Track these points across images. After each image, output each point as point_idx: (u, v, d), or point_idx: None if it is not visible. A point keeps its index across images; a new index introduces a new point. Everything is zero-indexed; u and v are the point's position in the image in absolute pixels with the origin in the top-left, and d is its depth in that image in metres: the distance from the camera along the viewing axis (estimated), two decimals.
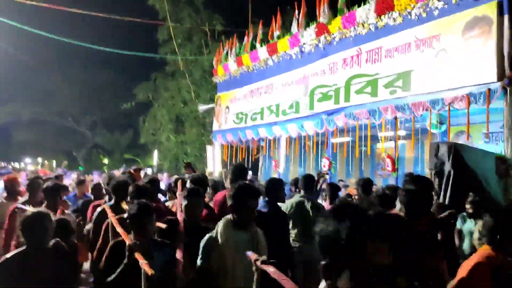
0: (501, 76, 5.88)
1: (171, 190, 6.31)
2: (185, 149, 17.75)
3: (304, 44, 9.99)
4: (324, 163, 9.20)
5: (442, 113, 7.78)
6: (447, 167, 5.71)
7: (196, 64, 18.18)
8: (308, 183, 5.88)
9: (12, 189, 6.01)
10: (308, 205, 5.65)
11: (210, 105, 15.14)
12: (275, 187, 4.93)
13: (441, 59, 6.74)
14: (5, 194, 6.12)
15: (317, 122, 9.51)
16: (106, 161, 35.70)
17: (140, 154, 27.94)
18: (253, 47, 12.10)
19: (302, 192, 5.88)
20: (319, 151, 11.37)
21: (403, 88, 7.36)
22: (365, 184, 6.30)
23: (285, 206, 5.61)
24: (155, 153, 22.59)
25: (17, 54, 26.37)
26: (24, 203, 5.45)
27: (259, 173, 14.82)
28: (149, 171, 20.01)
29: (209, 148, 14.80)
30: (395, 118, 7.77)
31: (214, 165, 14.20)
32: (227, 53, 13.54)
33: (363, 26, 8.21)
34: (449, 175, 5.67)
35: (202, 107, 15.08)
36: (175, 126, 18.55)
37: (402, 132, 10.27)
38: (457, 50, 6.50)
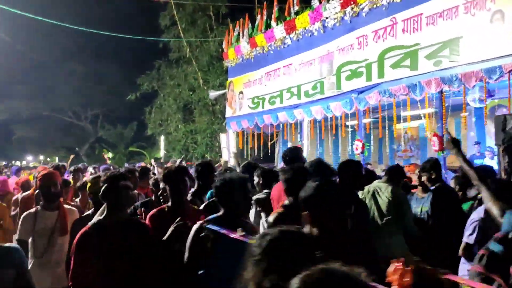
0: None
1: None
2: (195, 139, 17.00)
3: (327, 18, 9.19)
4: (357, 146, 8.46)
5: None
6: None
7: (202, 49, 17.37)
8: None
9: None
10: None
11: (221, 91, 14.38)
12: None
13: (498, 22, 5.96)
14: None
15: (346, 101, 8.76)
16: (110, 155, 35.03)
17: (146, 146, 27.21)
18: (268, 26, 11.30)
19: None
20: (338, 134, 10.61)
21: (450, 57, 6.60)
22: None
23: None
24: (162, 144, 21.86)
25: (15, 46, 25.53)
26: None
27: (275, 161, 14.11)
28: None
29: (222, 136, 14.07)
30: (441, 92, 7.02)
31: (229, 153, 13.48)
32: (238, 34, 12.74)
33: None
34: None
35: (212, 94, 14.32)
36: (183, 115, 17.79)
37: (428, 110, 9.24)
38: None
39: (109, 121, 34.05)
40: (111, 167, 10.23)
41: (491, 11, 6.05)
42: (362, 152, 8.54)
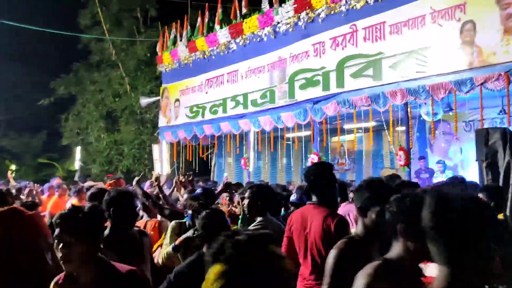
0: None
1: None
2: (120, 150, 15.58)
3: (278, 23, 8.73)
4: (313, 159, 8.02)
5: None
6: (506, 157, 4.79)
7: (129, 53, 16.08)
8: None
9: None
10: None
11: (154, 98, 13.31)
12: None
13: (468, 32, 5.85)
14: None
15: (299, 112, 8.31)
16: (13, 167, 31.54)
17: (59, 157, 24.77)
18: (210, 29, 10.58)
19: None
20: (278, 147, 10.17)
21: (419, 68, 6.39)
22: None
23: None
24: (77, 155, 19.90)
25: None
26: None
27: (211, 174, 13.32)
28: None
29: (155, 147, 12.97)
30: (406, 104, 6.81)
31: (162, 166, 12.44)
32: (175, 37, 11.86)
33: None
34: (508, 166, 4.76)
35: (143, 101, 13.20)
36: (106, 124, 16.26)
37: (365, 124, 8.95)
38: (490, 20, 5.63)
39: (13, 129, 30.67)
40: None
41: (461, 21, 5.92)
42: None
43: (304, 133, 9.60)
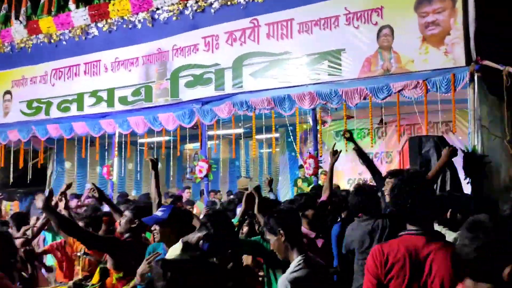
0: (468, 60, 5.20)
1: None
2: None
3: (158, 9, 7.47)
4: (202, 167, 6.94)
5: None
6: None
7: None
8: None
9: None
10: None
11: None
12: None
13: (385, 37, 5.68)
14: None
15: (184, 113, 7.19)
16: None
17: None
18: (61, 8, 8.59)
19: None
20: (122, 153, 8.79)
21: (331, 72, 5.99)
22: None
23: None
24: None
25: None
26: None
27: (47, 184, 10.92)
28: None
29: None
30: (314, 109, 6.36)
31: None
32: (6, 14, 9.37)
33: None
34: (444, 176, 4.61)
35: None
36: None
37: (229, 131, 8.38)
38: (408, 27, 5.55)
39: None
40: None
41: (378, 25, 5.74)
42: (207, 176, 7.08)
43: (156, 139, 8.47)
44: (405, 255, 1.85)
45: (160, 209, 2.97)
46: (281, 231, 2.32)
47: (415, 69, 5.49)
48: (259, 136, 8.08)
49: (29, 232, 3.84)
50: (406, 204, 1.89)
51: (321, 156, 6.79)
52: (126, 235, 3.18)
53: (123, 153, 8.45)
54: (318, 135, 6.74)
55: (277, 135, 9.23)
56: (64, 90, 8.47)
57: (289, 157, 10.50)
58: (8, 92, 9.24)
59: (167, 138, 9.55)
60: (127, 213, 3.24)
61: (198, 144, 8.45)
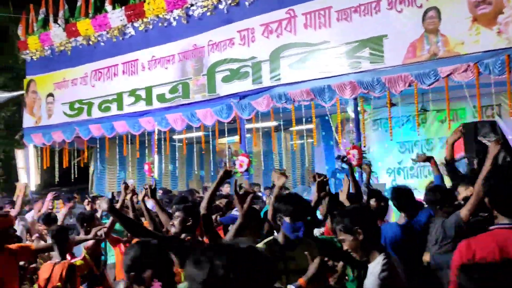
0: None
1: None
2: None
3: (192, 5, 7.40)
4: (242, 161, 6.85)
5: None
6: (501, 152, 4.32)
7: None
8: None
9: None
10: None
11: (12, 93, 10.65)
12: None
13: (431, 19, 5.38)
14: None
15: (222, 108, 7.10)
16: None
17: None
18: (98, 10, 8.69)
19: None
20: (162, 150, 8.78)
21: (373, 59, 5.74)
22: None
23: None
24: None
25: None
26: None
27: (89, 183, 11.16)
28: None
29: (19, 153, 10.35)
30: (355, 98, 6.14)
31: (29, 175, 9.96)
32: (45, 18, 9.58)
33: None
34: (503, 164, 4.29)
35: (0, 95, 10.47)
36: None
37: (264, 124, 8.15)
38: (456, 7, 5.22)
39: None
40: None
41: (423, 7, 5.44)
42: (247, 170, 6.98)
43: (195, 134, 8.41)
44: (494, 250, 1.69)
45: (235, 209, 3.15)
46: (359, 230, 2.20)
47: (465, 52, 5.17)
48: (297, 128, 7.89)
49: (100, 232, 3.87)
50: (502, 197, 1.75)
51: (364, 147, 6.52)
52: (183, 235, 3.18)
53: (162, 150, 8.50)
54: (361, 125, 6.46)
55: (311, 126, 8.93)
56: (104, 90, 8.58)
57: (325, 147, 10.19)
58: (50, 95, 9.46)
59: (199, 133, 9.45)
60: (178, 214, 3.23)
61: (231, 138, 8.36)
